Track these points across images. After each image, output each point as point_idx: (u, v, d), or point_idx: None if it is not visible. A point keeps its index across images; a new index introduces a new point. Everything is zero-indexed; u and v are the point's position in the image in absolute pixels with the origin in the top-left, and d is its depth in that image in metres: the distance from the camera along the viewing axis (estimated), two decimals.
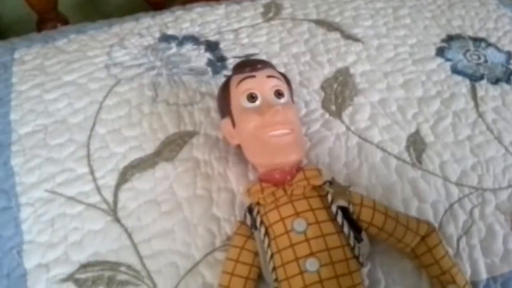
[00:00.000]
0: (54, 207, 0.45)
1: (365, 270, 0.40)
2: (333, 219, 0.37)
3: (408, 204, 0.45)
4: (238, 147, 0.44)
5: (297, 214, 0.37)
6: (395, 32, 0.61)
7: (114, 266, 0.41)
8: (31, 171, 0.47)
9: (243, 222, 0.41)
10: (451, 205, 0.45)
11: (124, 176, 0.46)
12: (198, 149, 0.48)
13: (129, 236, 0.43)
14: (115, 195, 0.45)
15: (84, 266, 0.41)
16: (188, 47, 0.57)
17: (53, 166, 0.47)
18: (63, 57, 0.57)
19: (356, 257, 0.37)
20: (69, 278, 0.41)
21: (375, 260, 0.41)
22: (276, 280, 0.38)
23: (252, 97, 0.41)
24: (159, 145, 0.48)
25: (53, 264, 0.42)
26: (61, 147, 0.48)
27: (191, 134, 0.49)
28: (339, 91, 0.53)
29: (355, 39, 0.59)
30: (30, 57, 0.58)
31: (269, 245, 0.38)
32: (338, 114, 0.51)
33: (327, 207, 0.38)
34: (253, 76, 0.42)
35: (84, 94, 0.52)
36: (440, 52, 0.59)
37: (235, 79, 0.42)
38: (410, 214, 0.41)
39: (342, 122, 0.50)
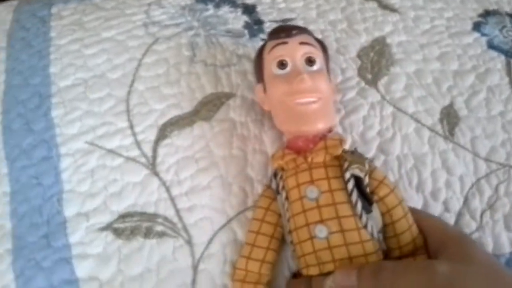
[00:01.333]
0: (94, 158, 0.46)
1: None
2: (346, 188, 0.37)
3: (437, 176, 0.46)
4: (270, 112, 0.45)
5: (312, 181, 0.38)
6: (432, 4, 0.60)
7: (152, 217, 0.43)
8: (71, 123, 0.48)
9: (269, 186, 0.42)
10: (478, 180, 0.46)
11: (163, 132, 0.47)
12: (235, 111, 0.48)
13: (167, 189, 0.44)
14: (154, 150, 0.46)
15: (123, 216, 0.43)
16: (225, 9, 0.58)
17: (93, 119, 0.48)
18: (101, 14, 0.57)
19: (365, 227, 0.37)
20: (108, 227, 0.43)
21: None
22: (291, 242, 0.39)
23: (282, 64, 0.41)
24: (196, 104, 0.49)
25: (92, 213, 0.43)
26: (100, 101, 0.49)
27: (228, 96, 0.49)
28: (375, 60, 0.53)
29: (392, 9, 0.59)
30: (67, 12, 0.59)
31: (287, 209, 0.39)
32: (374, 83, 0.51)
33: (343, 176, 0.38)
34: (286, 43, 0.41)
35: (123, 51, 0.53)
36: (477, 26, 0.59)
37: (269, 45, 0.43)
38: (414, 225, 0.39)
39: (378, 91, 0.50)
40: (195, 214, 0.43)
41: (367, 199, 0.38)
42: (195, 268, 0.41)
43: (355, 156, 0.39)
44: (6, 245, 0.44)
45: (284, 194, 0.39)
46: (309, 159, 0.38)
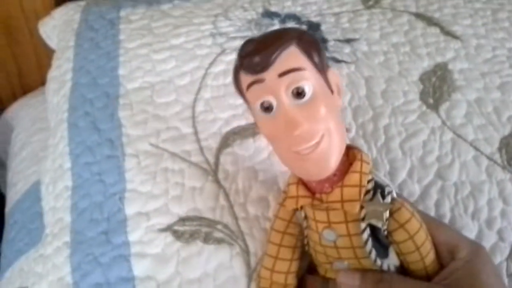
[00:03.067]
0: (158, 161, 0.47)
1: None
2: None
3: (493, 205, 0.46)
4: None
5: (329, 223, 0.35)
6: (494, 34, 0.60)
7: (211, 223, 0.43)
8: (137, 125, 0.49)
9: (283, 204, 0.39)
10: None
11: (226, 141, 0.48)
12: None
13: (227, 197, 0.45)
14: (217, 157, 0.47)
15: (183, 220, 0.44)
16: (290, 25, 0.59)
17: (158, 123, 0.49)
18: (170, 21, 0.59)
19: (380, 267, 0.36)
20: (168, 228, 0.43)
21: None
22: (308, 250, 0.39)
23: (266, 108, 0.33)
24: None
25: (153, 214, 0.44)
26: (167, 105, 0.50)
27: None
28: (437, 85, 0.53)
29: (454, 36, 0.59)
30: (136, 17, 0.61)
31: (306, 227, 0.38)
32: (435, 108, 0.51)
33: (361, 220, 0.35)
34: (262, 81, 0.32)
35: (190, 59, 0.54)
36: None
37: (244, 81, 0.34)
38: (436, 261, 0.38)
39: (439, 116, 0.51)
40: (253, 224, 0.44)
41: (382, 245, 0.36)
42: (249, 276, 0.42)
43: (374, 204, 0.34)
44: (65, 238, 0.46)
45: (303, 214, 0.37)
46: (325, 201, 0.35)
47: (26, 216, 0.64)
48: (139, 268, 0.42)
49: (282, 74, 0.32)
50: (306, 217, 0.37)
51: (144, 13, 0.61)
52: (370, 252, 0.35)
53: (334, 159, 0.33)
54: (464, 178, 0.47)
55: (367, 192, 0.35)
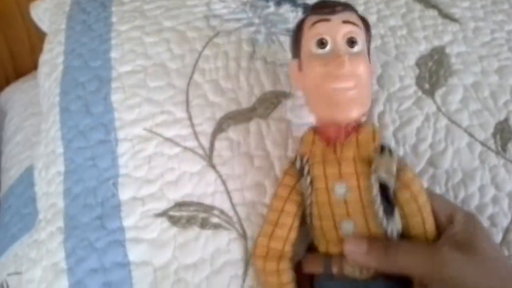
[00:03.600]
0: (152, 145, 0.46)
1: None
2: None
3: (484, 191, 0.46)
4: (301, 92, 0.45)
5: (340, 175, 0.37)
6: (493, 16, 0.60)
7: (208, 208, 0.43)
8: (130, 109, 0.49)
9: (293, 163, 0.40)
10: None
11: (221, 126, 0.47)
12: (292, 112, 0.48)
13: (223, 183, 0.44)
14: (211, 143, 0.46)
15: (179, 205, 0.44)
16: (286, 8, 0.58)
17: (152, 107, 0.49)
18: (162, 3, 0.58)
19: (385, 229, 0.37)
20: (164, 214, 0.43)
21: None
22: (310, 222, 0.39)
23: (322, 43, 0.38)
24: (255, 101, 0.49)
25: (148, 199, 0.44)
26: (160, 89, 0.50)
27: (286, 95, 0.49)
28: (433, 70, 0.53)
29: (452, 18, 0.58)
30: None
31: (310, 193, 0.39)
32: (431, 93, 0.51)
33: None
34: (328, 20, 0.39)
35: (183, 41, 0.53)
36: None
37: (310, 20, 0.40)
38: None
39: (434, 102, 0.50)
40: (250, 209, 0.43)
41: (390, 202, 0.37)
42: (247, 261, 0.42)
43: (383, 156, 0.37)
44: (58, 223, 0.46)
45: (308, 179, 0.39)
46: (339, 152, 0.38)
47: (20, 201, 0.64)
48: (134, 253, 0.42)
49: (345, 22, 0.39)
50: (311, 181, 0.38)
51: None
52: (378, 209, 0.36)
53: (359, 108, 0.38)
54: (456, 166, 0.47)
55: (376, 149, 0.38)
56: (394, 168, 0.37)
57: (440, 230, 0.38)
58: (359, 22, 0.40)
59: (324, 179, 0.38)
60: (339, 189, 0.37)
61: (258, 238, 0.41)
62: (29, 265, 0.47)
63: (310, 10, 0.41)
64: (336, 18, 0.39)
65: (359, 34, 0.39)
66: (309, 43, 0.39)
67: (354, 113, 0.38)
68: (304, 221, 0.41)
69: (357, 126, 0.39)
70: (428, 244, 0.37)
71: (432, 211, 0.39)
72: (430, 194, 0.40)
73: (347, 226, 0.37)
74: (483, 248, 0.36)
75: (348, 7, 0.40)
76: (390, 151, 0.38)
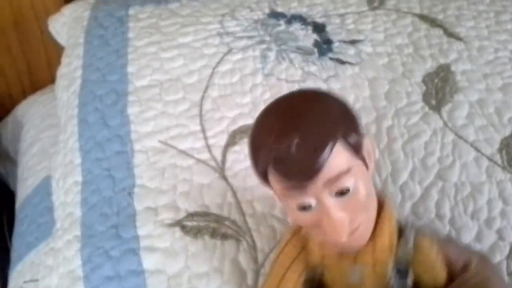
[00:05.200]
0: (166, 157, 0.48)
1: None
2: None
3: (492, 205, 0.47)
4: None
5: (355, 261, 0.36)
6: (497, 35, 0.61)
7: (219, 219, 0.45)
8: (146, 122, 0.51)
9: (296, 233, 0.38)
10: None
11: (233, 139, 0.49)
12: None
13: (234, 194, 0.46)
14: (224, 155, 0.48)
15: (192, 215, 0.45)
16: (296, 26, 0.60)
17: (167, 120, 0.50)
18: (177, 20, 0.60)
19: None
20: (177, 223, 0.45)
21: None
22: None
23: (303, 208, 0.32)
24: None
25: (162, 209, 0.45)
26: (175, 103, 0.52)
27: None
28: (440, 87, 0.54)
29: (457, 37, 0.60)
30: (144, 15, 0.62)
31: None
32: (437, 109, 0.52)
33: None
34: (304, 187, 0.31)
35: (198, 57, 0.55)
36: None
37: (276, 181, 0.33)
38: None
39: (441, 117, 0.51)
40: (260, 221, 0.45)
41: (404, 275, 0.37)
42: (257, 272, 0.43)
43: (401, 250, 0.36)
44: (75, 232, 0.47)
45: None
46: (354, 257, 0.36)
47: (36, 211, 0.65)
48: (149, 261, 0.43)
49: (328, 182, 0.31)
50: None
51: (153, 11, 0.62)
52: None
53: (368, 234, 0.35)
54: (464, 179, 0.48)
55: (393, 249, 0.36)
56: (411, 253, 0.36)
57: (454, 277, 0.38)
58: (344, 155, 0.32)
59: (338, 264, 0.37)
60: (354, 274, 0.36)
61: None
62: (45, 272, 0.49)
63: (268, 158, 0.32)
64: (316, 182, 0.31)
65: (349, 176, 0.32)
66: (286, 200, 0.33)
67: (364, 241, 0.35)
68: None
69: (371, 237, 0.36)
70: None
71: (447, 260, 0.38)
72: (446, 243, 0.40)
73: None
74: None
75: (325, 149, 0.31)
76: (406, 241, 0.36)
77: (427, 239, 0.37)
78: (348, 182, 0.31)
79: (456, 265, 0.38)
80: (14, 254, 0.65)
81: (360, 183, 0.32)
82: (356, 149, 0.32)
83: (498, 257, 0.44)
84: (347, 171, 0.31)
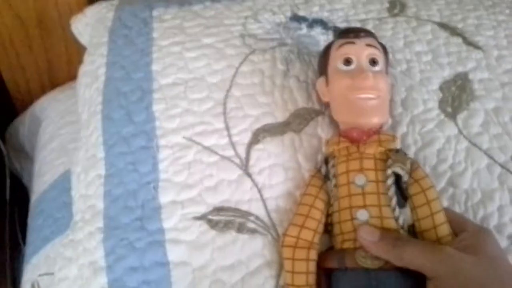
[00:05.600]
0: (191, 153, 0.49)
1: None
2: None
3: (503, 212, 0.48)
4: (327, 104, 0.49)
5: (361, 170, 0.42)
6: None
7: (245, 214, 0.46)
8: (171, 118, 0.51)
9: (319, 170, 0.45)
10: None
11: (256, 137, 0.50)
12: (323, 129, 0.51)
13: (259, 191, 0.47)
14: (247, 153, 0.49)
15: (218, 210, 0.46)
16: (317, 30, 0.61)
17: (191, 117, 0.51)
18: (201, 21, 0.61)
19: (396, 219, 0.41)
20: (203, 217, 0.46)
21: None
22: (330, 223, 0.43)
23: (347, 61, 0.45)
24: (288, 116, 0.52)
25: (188, 203, 0.46)
26: (200, 101, 0.53)
27: (318, 113, 0.52)
28: (456, 95, 0.55)
29: (476, 46, 0.61)
30: (168, 16, 0.63)
31: (334, 194, 0.43)
32: (453, 117, 0.53)
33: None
34: (353, 43, 0.46)
35: (221, 58, 0.56)
36: None
37: (337, 43, 0.47)
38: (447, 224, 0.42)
39: (456, 124, 0.52)
40: (283, 216, 0.46)
41: (403, 195, 0.42)
42: (281, 263, 0.44)
43: (399, 155, 0.43)
44: (97, 224, 0.48)
45: (334, 181, 0.43)
46: (362, 149, 0.43)
47: (53, 206, 0.66)
48: (174, 253, 0.44)
49: (368, 45, 0.46)
50: (336, 183, 0.43)
51: (176, 13, 0.63)
52: (391, 198, 0.41)
53: (379, 116, 0.45)
54: (475, 186, 0.49)
55: (392, 149, 0.43)
56: (408, 165, 0.42)
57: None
58: (380, 47, 0.47)
59: (346, 175, 0.43)
60: (359, 181, 0.42)
61: (288, 227, 0.44)
62: (63, 263, 0.49)
63: (337, 35, 0.48)
64: (361, 42, 0.46)
65: (380, 56, 0.46)
66: (336, 61, 0.46)
67: (375, 120, 0.44)
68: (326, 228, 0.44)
69: (378, 131, 0.44)
70: (434, 243, 0.40)
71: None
72: (447, 208, 0.43)
73: (362, 216, 0.41)
74: (490, 252, 0.39)
75: (370, 34, 0.48)
76: (405, 153, 0.44)
77: (422, 171, 0.43)
78: (378, 57, 0.46)
79: (452, 226, 0.42)
80: (28, 248, 0.65)
81: (383, 75, 0.46)
82: (385, 61, 0.48)
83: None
84: (379, 50, 0.47)
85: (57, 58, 0.84)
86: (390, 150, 0.43)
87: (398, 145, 0.44)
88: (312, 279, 0.42)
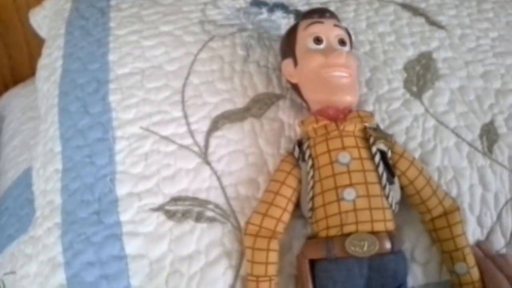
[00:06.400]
0: (148, 143, 0.48)
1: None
2: (373, 158, 0.41)
3: (474, 190, 0.48)
4: (295, 86, 0.48)
5: (343, 148, 0.41)
6: (478, 24, 0.62)
7: (203, 203, 0.45)
8: (127, 109, 0.50)
9: (291, 153, 0.44)
10: None
11: (216, 124, 0.49)
12: (284, 112, 0.50)
13: (218, 178, 0.46)
14: (206, 140, 0.48)
15: (175, 200, 0.45)
16: (278, 15, 0.60)
17: (148, 107, 0.50)
18: (159, 9, 0.60)
19: (386, 196, 0.41)
20: (160, 208, 0.45)
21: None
22: (311, 209, 0.42)
23: (318, 40, 0.45)
24: (248, 101, 0.51)
25: (145, 194, 0.45)
26: (157, 90, 0.51)
27: (278, 97, 0.51)
28: (421, 74, 0.54)
29: (439, 26, 0.60)
30: (126, 5, 0.61)
31: (313, 176, 0.42)
32: (418, 96, 0.53)
33: (370, 148, 0.41)
34: (321, 22, 0.46)
35: (180, 45, 0.55)
36: None
37: (304, 23, 0.47)
38: (440, 187, 0.45)
39: (422, 103, 0.52)
40: (244, 203, 0.45)
41: (390, 172, 0.42)
42: (242, 253, 0.43)
43: (379, 132, 0.43)
44: (56, 219, 0.46)
45: (310, 162, 0.42)
46: (341, 127, 0.42)
47: (17, 203, 0.64)
48: (131, 246, 0.43)
49: (336, 25, 0.46)
50: (313, 164, 0.42)
51: (134, 1, 0.61)
52: (382, 174, 0.41)
53: (353, 94, 0.44)
54: (446, 163, 0.49)
55: (370, 127, 0.43)
56: (391, 141, 0.43)
57: None
58: (344, 29, 0.48)
59: (328, 154, 0.42)
60: (343, 159, 0.41)
61: (252, 215, 0.43)
62: (24, 261, 0.48)
63: (302, 15, 0.48)
64: (328, 22, 0.46)
65: (347, 37, 0.47)
66: (306, 40, 0.46)
67: (349, 97, 0.44)
68: (301, 213, 0.43)
69: (351, 110, 0.44)
70: None
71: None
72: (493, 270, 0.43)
73: (350, 195, 0.40)
74: None
75: (335, 16, 0.49)
76: (381, 129, 0.45)
77: (399, 145, 0.45)
78: (346, 38, 0.47)
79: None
80: None
81: (353, 56, 0.48)
82: (350, 45, 0.49)
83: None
84: (345, 32, 0.48)
85: (18, 53, 0.82)
86: (369, 127, 0.43)
87: (374, 122, 0.44)
88: (272, 269, 0.41)
